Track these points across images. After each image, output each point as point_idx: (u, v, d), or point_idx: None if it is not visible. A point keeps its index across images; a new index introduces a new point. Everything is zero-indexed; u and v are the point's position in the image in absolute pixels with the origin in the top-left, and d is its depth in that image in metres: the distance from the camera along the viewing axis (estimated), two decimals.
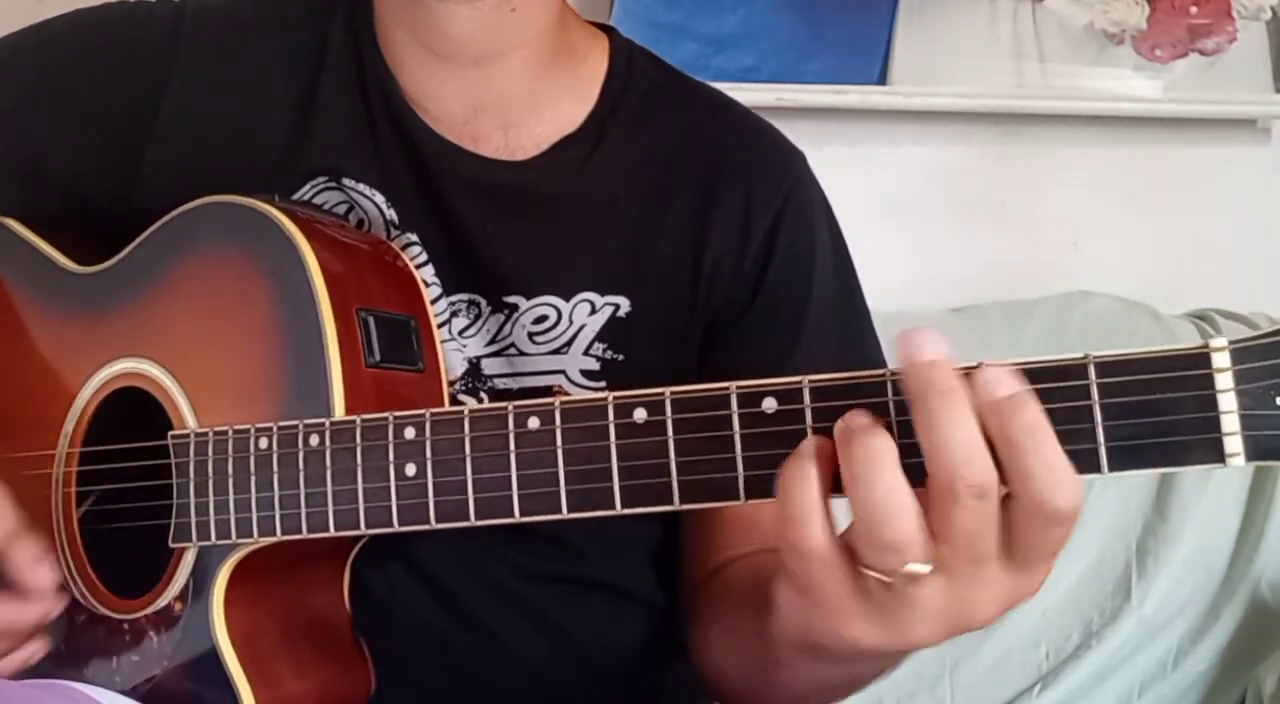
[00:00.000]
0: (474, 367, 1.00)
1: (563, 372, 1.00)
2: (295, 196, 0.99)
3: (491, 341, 1.00)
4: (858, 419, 0.62)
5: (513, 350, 1.00)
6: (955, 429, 0.59)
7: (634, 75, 1.07)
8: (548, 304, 1.00)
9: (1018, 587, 0.63)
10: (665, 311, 1.02)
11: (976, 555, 0.61)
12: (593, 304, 1.00)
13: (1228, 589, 1.67)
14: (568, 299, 1.00)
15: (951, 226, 1.96)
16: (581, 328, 1.00)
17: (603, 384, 1.00)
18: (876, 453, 0.60)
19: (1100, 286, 1.85)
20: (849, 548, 0.63)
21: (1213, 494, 1.68)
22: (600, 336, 1.00)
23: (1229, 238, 1.94)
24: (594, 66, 1.06)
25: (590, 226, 1.02)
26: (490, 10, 0.96)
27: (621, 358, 1.00)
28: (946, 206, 1.96)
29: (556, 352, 1.00)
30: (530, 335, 0.99)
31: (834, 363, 1.02)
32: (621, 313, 1.00)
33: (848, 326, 1.08)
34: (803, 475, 0.62)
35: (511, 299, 1.00)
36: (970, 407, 0.60)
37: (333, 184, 1.00)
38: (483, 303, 1.00)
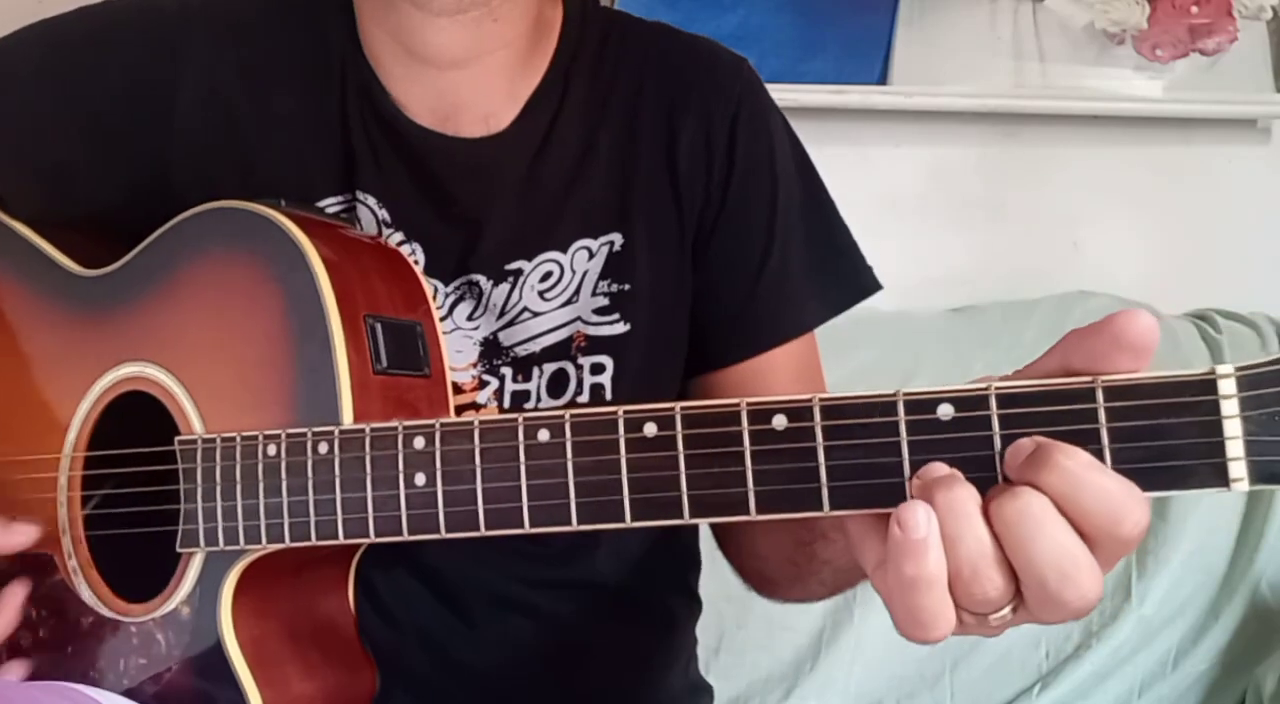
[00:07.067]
0: (490, 344, 1.01)
1: (578, 318, 1.01)
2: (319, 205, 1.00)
3: (502, 313, 1.01)
4: (935, 470, 0.61)
5: (526, 314, 1.01)
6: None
7: (588, 22, 1.08)
8: (550, 260, 1.01)
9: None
10: (656, 236, 1.03)
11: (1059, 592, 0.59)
12: (590, 249, 1.02)
13: (1228, 589, 1.67)
14: (565, 250, 1.01)
15: (952, 227, 1.96)
16: (585, 273, 1.01)
17: (616, 316, 1.01)
18: (959, 505, 0.59)
19: (1100, 287, 1.85)
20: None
21: (1213, 494, 1.68)
22: (604, 274, 1.02)
23: (1229, 238, 1.95)
24: (555, 25, 1.07)
25: (572, 175, 1.03)
26: (472, 21, 0.97)
27: (628, 287, 1.02)
28: (947, 207, 1.96)
29: (568, 302, 1.01)
30: (540, 293, 1.01)
31: (808, 259, 1.05)
32: (618, 247, 1.02)
33: (817, 221, 1.09)
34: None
35: (515, 265, 1.01)
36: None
37: (351, 199, 1.01)
38: (483, 280, 1.01)
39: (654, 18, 1.12)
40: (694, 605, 1.18)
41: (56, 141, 1.03)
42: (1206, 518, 1.68)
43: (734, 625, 1.68)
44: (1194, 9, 1.88)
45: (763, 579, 1.05)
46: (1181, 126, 1.96)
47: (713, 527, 1.12)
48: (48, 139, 1.03)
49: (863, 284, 1.09)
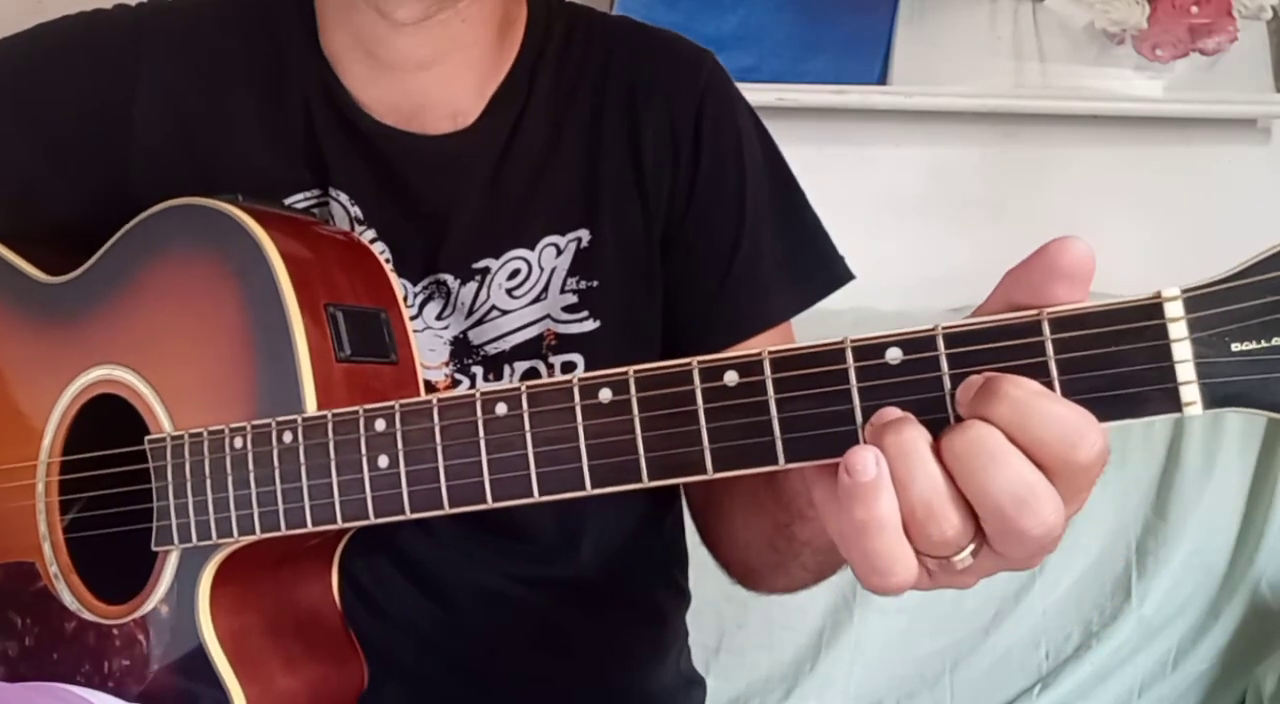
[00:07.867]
0: (461, 343, 1.01)
1: (547, 316, 1.01)
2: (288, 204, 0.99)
3: (470, 313, 1.01)
4: (887, 414, 0.60)
5: (495, 312, 1.01)
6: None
7: (552, 18, 1.08)
8: (517, 258, 1.01)
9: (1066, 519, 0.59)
10: (623, 231, 1.03)
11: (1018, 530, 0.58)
12: (557, 246, 1.01)
13: (1228, 589, 1.67)
14: (533, 248, 1.01)
15: (952, 226, 1.96)
16: (553, 270, 1.01)
17: (585, 313, 1.01)
18: (908, 445, 0.58)
19: (1100, 286, 1.82)
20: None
21: (1213, 494, 1.68)
22: (571, 271, 1.01)
23: (1229, 238, 1.93)
24: (520, 20, 1.07)
25: (539, 171, 1.03)
26: (438, 24, 0.96)
27: (596, 284, 1.01)
28: (947, 206, 1.96)
29: (537, 300, 1.01)
30: (509, 292, 1.01)
31: (779, 249, 1.04)
32: (585, 243, 1.02)
33: (786, 212, 1.09)
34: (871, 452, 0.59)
35: (482, 264, 1.01)
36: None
37: (323, 195, 1.01)
38: (450, 279, 1.00)
39: (653, 19, 1.12)
40: (681, 600, 1.17)
41: (20, 160, 1.03)
42: (1206, 518, 1.68)
43: (734, 625, 1.69)
44: (1194, 9, 1.88)
45: (747, 570, 1.04)
46: (1181, 126, 1.96)
47: (695, 519, 1.12)
48: (10, 158, 1.04)
49: (835, 274, 1.08)
